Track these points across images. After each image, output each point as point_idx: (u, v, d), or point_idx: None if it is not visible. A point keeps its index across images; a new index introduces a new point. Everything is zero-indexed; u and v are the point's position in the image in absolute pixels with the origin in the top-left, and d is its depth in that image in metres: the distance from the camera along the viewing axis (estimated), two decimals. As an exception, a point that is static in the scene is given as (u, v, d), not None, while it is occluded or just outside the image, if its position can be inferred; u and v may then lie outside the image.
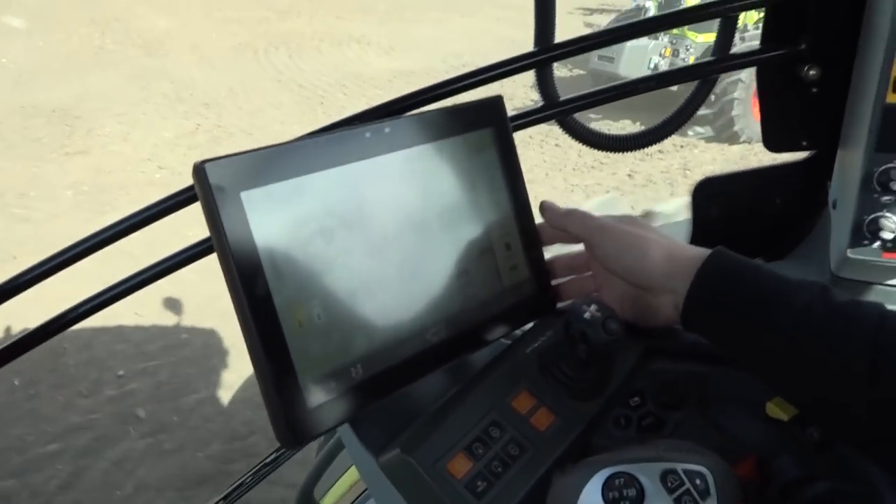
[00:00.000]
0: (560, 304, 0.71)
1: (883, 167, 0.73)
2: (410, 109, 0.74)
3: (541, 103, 0.79)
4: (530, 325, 0.69)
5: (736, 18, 0.80)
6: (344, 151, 0.58)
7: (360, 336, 0.57)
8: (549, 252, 0.71)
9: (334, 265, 0.56)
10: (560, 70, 8.54)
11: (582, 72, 8.39)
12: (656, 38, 7.07)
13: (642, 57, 7.03)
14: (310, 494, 1.20)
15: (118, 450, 3.18)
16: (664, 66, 6.87)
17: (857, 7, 0.76)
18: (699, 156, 6.43)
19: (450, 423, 0.58)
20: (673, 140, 6.63)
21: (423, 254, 0.61)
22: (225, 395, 3.48)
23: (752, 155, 6.20)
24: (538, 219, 0.70)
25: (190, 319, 3.97)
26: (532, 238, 0.69)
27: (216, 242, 0.51)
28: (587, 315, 0.59)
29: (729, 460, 0.53)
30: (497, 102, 0.68)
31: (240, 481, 1.03)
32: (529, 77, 0.77)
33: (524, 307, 0.68)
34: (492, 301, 0.66)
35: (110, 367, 3.65)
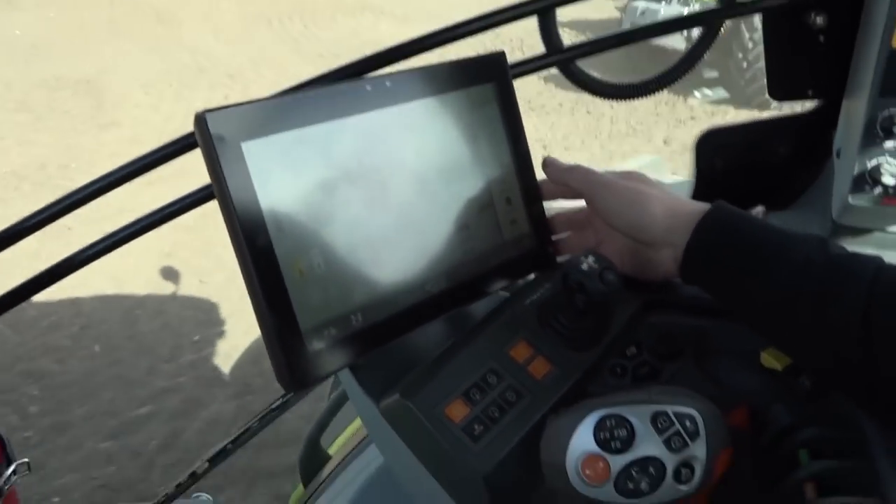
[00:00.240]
0: (560, 258, 0.71)
1: (886, 112, 0.72)
2: (411, 56, 0.73)
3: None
4: (530, 277, 0.70)
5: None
6: (345, 104, 0.58)
7: (361, 286, 0.57)
8: (552, 209, 0.72)
9: (335, 216, 0.56)
10: (576, 38, 8.39)
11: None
12: (687, 5, 6.95)
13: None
14: (316, 442, 1.23)
15: (210, 411, 3.22)
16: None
17: (865, -49, 0.75)
18: (732, 121, 6.31)
19: (449, 370, 0.59)
20: (704, 107, 6.57)
21: (423, 207, 0.62)
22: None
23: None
24: (540, 174, 0.70)
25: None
26: (533, 193, 0.69)
27: (217, 192, 0.52)
28: (584, 266, 0.60)
29: (722, 409, 0.54)
30: (499, 58, 0.68)
31: (247, 426, 1.06)
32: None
33: (524, 261, 0.69)
34: (492, 254, 0.66)
35: (185, 332, 3.70)
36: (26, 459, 0.65)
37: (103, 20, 8.32)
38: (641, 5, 7.13)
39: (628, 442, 0.49)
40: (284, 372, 0.53)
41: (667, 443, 0.49)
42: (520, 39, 7.15)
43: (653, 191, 0.63)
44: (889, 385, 0.51)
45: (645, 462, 0.49)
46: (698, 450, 0.50)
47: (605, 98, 0.82)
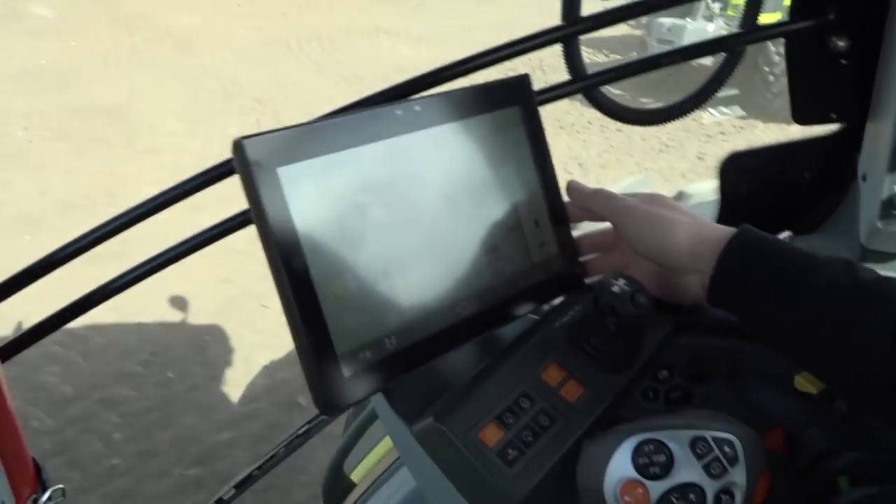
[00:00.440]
0: (588, 280, 0.71)
1: None
2: (439, 84, 0.74)
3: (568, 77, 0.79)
4: (559, 300, 0.70)
5: (764, -9, 0.79)
6: (376, 128, 0.59)
7: (394, 309, 0.58)
8: (580, 229, 0.72)
9: (368, 240, 0.57)
10: (596, 56, 8.47)
11: (618, 57, 8.28)
12: (711, 21, 7.05)
13: (702, 38, 6.94)
14: (340, 468, 1.23)
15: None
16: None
17: (888, -24, 0.75)
18: (761, 136, 6.33)
19: (481, 394, 0.59)
20: (732, 122, 6.59)
21: (453, 229, 0.62)
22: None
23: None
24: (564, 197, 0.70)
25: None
26: (560, 215, 0.70)
27: (255, 217, 0.53)
28: (616, 289, 0.60)
29: (757, 433, 0.54)
30: (524, 81, 0.68)
31: (273, 452, 1.06)
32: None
33: (553, 283, 0.69)
34: (521, 276, 0.66)
35: (254, 357, 3.70)
36: (62, 486, 0.65)
37: (125, 48, 8.46)
38: (667, 21, 7.18)
39: (667, 468, 0.49)
40: (321, 395, 0.53)
41: (706, 468, 0.49)
42: (539, 59, 7.21)
43: (676, 215, 0.63)
44: None
45: (685, 488, 0.48)
46: (738, 476, 0.49)
47: (629, 124, 0.82)
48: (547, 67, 6.98)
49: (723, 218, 0.91)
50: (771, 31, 0.81)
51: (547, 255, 0.69)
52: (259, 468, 1.06)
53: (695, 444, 0.49)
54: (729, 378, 0.64)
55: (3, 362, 0.62)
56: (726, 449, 0.49)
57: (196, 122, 6.59)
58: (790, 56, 0.84)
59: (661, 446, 0.49)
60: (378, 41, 9.16)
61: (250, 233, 0.66)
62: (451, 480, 0.57)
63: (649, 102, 6.68)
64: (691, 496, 0.48)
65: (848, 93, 0.84)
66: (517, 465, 0.55)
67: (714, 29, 6.98)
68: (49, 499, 0.64)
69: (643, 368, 0.64)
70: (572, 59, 0.78)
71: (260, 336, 3.82)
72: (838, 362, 0.54)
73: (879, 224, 0.75)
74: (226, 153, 0.54)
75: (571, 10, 0.75)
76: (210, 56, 8.31)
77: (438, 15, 10.09)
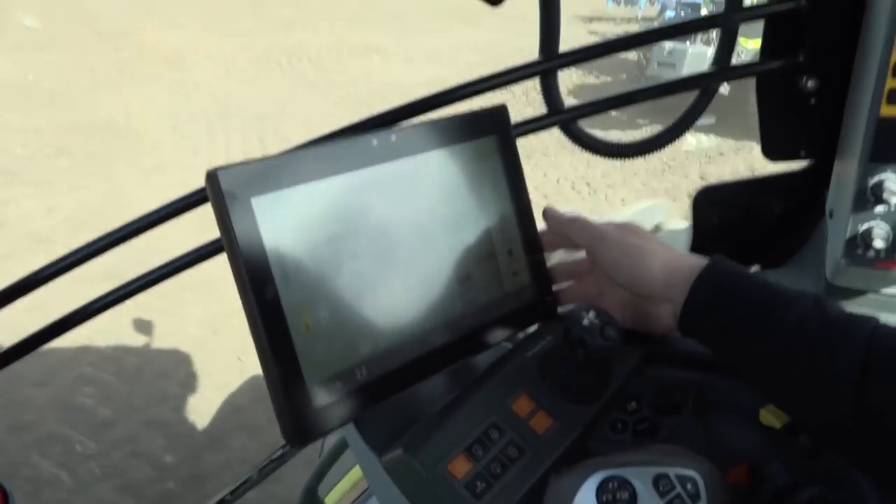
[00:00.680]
0: (561, 309, 0.72)
1: (876, 178, 0.74)
2: (415, 116, 0.75)
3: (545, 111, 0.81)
4: (531, 329, 0.71)
5: (736, 30, 0.81)
6: (351, 158, 0.59)
7: (365, 339, 0.58)
8: (555, 257, 0.73)
9: (341, 269, 0.57)
10: (587, 77, 8.55)
11: (608, 79, 8.37)
12: (710, 45, 7.24)
13: (702, 63, 7.18)
14: (314, 492, 1.22)
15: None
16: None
17: (854, 21, 0.78)
18: (759, 158, 6.42)
19: (451, 425, 0.59)
20: (730, 144, 6.69)
21: (427, 259, 0.63)
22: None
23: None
24: (540, 224, 0.71)
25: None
26: (534, 244, 0.71)
27: (227, 246, 0.53)
28: (586, 322, 0.61)
29: (722, 466, 0.54)
30: (501, 111, 0.70)
31: (246, 478, 1.05)
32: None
33: (525, 312, 0.70)
34: (493, 306, 0.67)
35: None
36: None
37: (112, 63, 8.41)
38: (668, 45, 7.31)
39: None
40: (289, 426, 0.54)
41: (668, 505, 0.49)
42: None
43: (651, 245, 0.64)
44: (883, 445, 0.51)
45: (647, 525, 0.49)
46: (700, 512, 0.50)
47: (604, 156, 0.84)
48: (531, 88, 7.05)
49: (695, 249, 0.92)
50: (743, 71, 0.84)
51: (520, 285, 0.69)
52: (232, 493, 1.05)
53: (658, 481, 0.50)
54: (696, 410, 0.65)
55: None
56: (688, 486, 0.50)
57: (197, 139, 6.56)
58: (761, 94, 0.86)
59: (624, 483, 0.50)
60: (369, 60, 9.19)
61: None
62: None
63: (645, 123, 6.78)
64: (653, 533, 0.48)
65: (816, 131, 0.86)
66: (485, 497, 0.56)
67: (712, 53, 7.12)
68: None
69: (612, 399, 0.65)
70: (549, 92, 0.80)
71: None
72: (805, 398, 0.55)
73: (843, 261, 0.77)
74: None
75: (549, 46, 0.77)
76: (201, 73, 8.29)
77: (425, 35, 10.16)
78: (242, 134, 6.73)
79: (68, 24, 9.48)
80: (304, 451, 1.08)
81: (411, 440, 0.58)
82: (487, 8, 0.73)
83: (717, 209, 0.92)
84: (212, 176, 0.52)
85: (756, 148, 6.57)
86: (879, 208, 0.75)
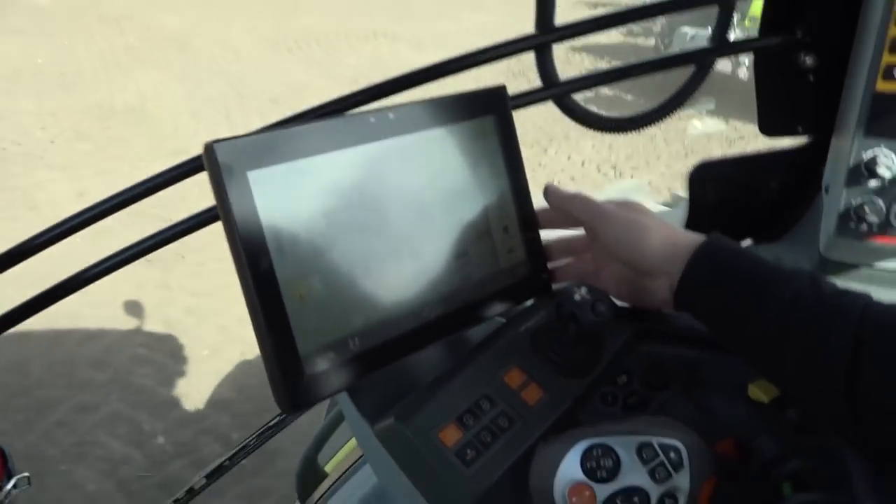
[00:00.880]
0: (557, 286, 0.73)
1: (870, 152, 0.75)
2: (411, 86, 0.75)
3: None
4: (525, 305, 0.72)
5: (733, 6, 0.81)
6: (348, 135, 0.60)
7: (359, 310, 0.59)
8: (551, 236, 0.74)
9: (336, 243, 0.58)
10: (599, 63, 8.47)
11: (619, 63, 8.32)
12: (731, 31, 7.09)
13: None
14: (313, 460, 1.25)
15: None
16: (744, 56, 6.86)
17: (853, -3, 0.77)
18: (780, 141, 6.41)
19: (443, 395, 0.61)
20: (751, 128, 6.64)
21: (422, 234, 0.64)
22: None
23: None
24: (540, 202, 0.72)
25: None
26: (530, 222, 0.71)
27: (223, 217, 0.54)
28: (577, 297, 0.62)
29: (710, 440, 0.56)
30: (500, 91, 0.70)
31: (243, 443, 1.07)
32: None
33: (520, 288, 0.71)
34: (488, 281, 0.68)
35: None
36: (26, 473, 0.66)
37: (120, 48, 8.28)
38: (691, 31, 7.19)
39: (614, 472, 0.50)
40: (282, 394, 0.55)
41: (651, 473, 0.51)
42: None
43: (651, 221, 0.65)
44: (874, 419, 0.52)
45: (629, 492, 0.50)
46: (682, 481, 0.51)
47: (598, 131, 0.84)
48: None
49: (691, 224, 0.93)
50: (740, 47, 0.83)
51: (515, 261, 0.70)
52: (229, 459, 1.07)
53: (641, 449, 0.51)
54: (686, 386, 0.66)
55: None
56: (671, 455, 0.51)
57: (216, 123, 6.50)
58: (758, 70, 0.86)
59: (608, 451, 0.51)
60: (377, 44, 9.07)
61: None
62: (410, 479, 0.58)
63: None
64: (635, 499, 0.50)
65: (814, 107, 0.86)
66: (474, 465, 0.57)
67: (732, 38, 7.00)
68: (14, 486, 0.65)
69: (603, 374, 0.66)
70: (545, 66, 0.79)
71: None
72: (799, 374, 0.56)
73: (837, 235, 0.78)
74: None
75: (545, 19, 0.77)
76: (210, 57, 8.19)
77: (431, 20, 10.02)
78: (261, 117, 6.62)
79: (70, 9, 9.37)
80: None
81: (403, 409, 0.59)
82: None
83: (713, 185, 0.92)
84: (209, 148, 0.53)
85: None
86: (873, 183, 0.76)
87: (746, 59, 6.52)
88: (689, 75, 0.83)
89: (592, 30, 0.78)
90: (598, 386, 0.66)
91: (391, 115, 0.62)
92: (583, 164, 5.78)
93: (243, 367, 3.51)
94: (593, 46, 8.31)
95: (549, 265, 0.73)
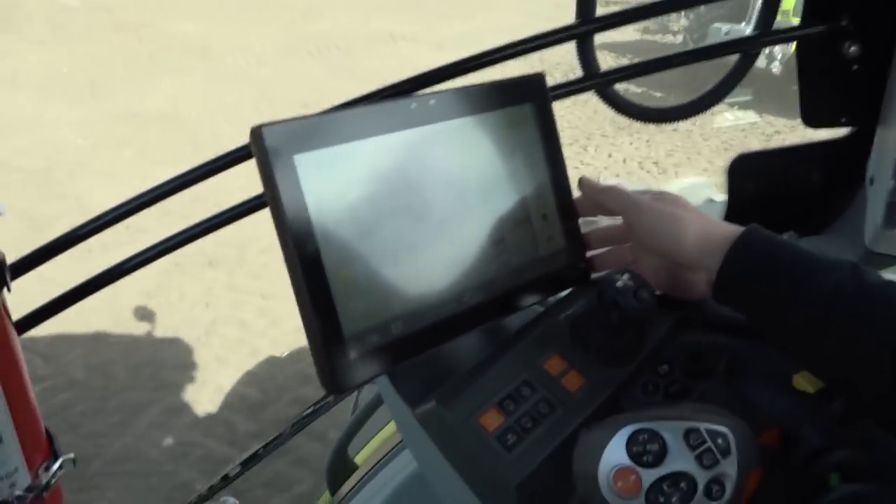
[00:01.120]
0: (595, 275, 0.73)
1: None
2: (453, 77, 0.76)
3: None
4: (564, 293, 0.72)
5: (779, -5, 0.80)
6: (391, 120, 0.60)
7: (401, 295, 0.60)
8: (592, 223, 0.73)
9: (379, 227, 0.59)
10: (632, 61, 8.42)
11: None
12: None
13: None
14: (344, 451, 1.25)
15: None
16: (777, 50, 6.81)
17: (901, -16, 0.76)
18: (818, 133, 6.32)
19: (484, 380, 0.61)
20: (785, 122, 6.55)
21: (462, 221, 0.64)
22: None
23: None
24: (576, 192, 0.72)
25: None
26: (569, 210, 0.71)
27: (271, 201, 0.54)
28: (620, 284, 0.61)
29: (753, 430, 0.55)
30: (539, 79, 0.70)
31: (280, 432, 1.08)
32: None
33: (559, 276, 0.70)
34: (527, 268, 0.68)
35: None
36: (72, 455, 0.68)
37: (142, 56, 8.31)
38: (725, 27, 7.11)
39: (660, 457, 0.50)
40: (328, 376, 0.55)
41: (698, 459, 0.50)
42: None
43: (686, 213, 0.64)
44: None
45: (676, 477, 0.50)
46: (729, 467, 0.51)
47: (640, 121, 0.83)
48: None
49: (730, 217, 0.92)
50: (784, 36, 0.82)
51: (554, 249, 0.70)
52: (265, 447, 1.08)
53: (688, 434, 0.51)
54: (727, 376, 0.65)
55: (20, 335, 0.64)
56: (719, 441, 0.51)
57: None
58: (802, 59, 0.84)
59: (655, 436, 0.50)
60: (397, 47, 9.06)
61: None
62: (450, 463, 0.59)
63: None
64: (682, 485, 0.49)
65: (858, 98, 0.85)
66: (516, 450, 0.57)
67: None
68: (60, 467, 0.66)
69: (643, 363, 0.65)
70: (586, 56, 0.79)
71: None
72: (841, 365, 0.55)
73: (884, 227, 0.76)
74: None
75: (586, 9, 0.76)
76: (234, 63, 8.23)
77: (446, 21, 9.99)
78: (296, 120, 6.70)
79: (86, 17, 9.46)
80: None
81: (444, 393, 0.59)
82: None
83: (753, 178, 0.91)
84: (256, 132, 0.54)
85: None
86: None
87: (780, 54, 6.41)
88: (733, 65, 0.82)
89: (634, 19, 0.77)
90: (640, 375, 0.65)
91: (432, 102, 0.63)
92: (624, 160, 5.74)
93: (277, 394, 3.50)
94: (611, 44, 8.25)
95: (588, 254, 0.73)
